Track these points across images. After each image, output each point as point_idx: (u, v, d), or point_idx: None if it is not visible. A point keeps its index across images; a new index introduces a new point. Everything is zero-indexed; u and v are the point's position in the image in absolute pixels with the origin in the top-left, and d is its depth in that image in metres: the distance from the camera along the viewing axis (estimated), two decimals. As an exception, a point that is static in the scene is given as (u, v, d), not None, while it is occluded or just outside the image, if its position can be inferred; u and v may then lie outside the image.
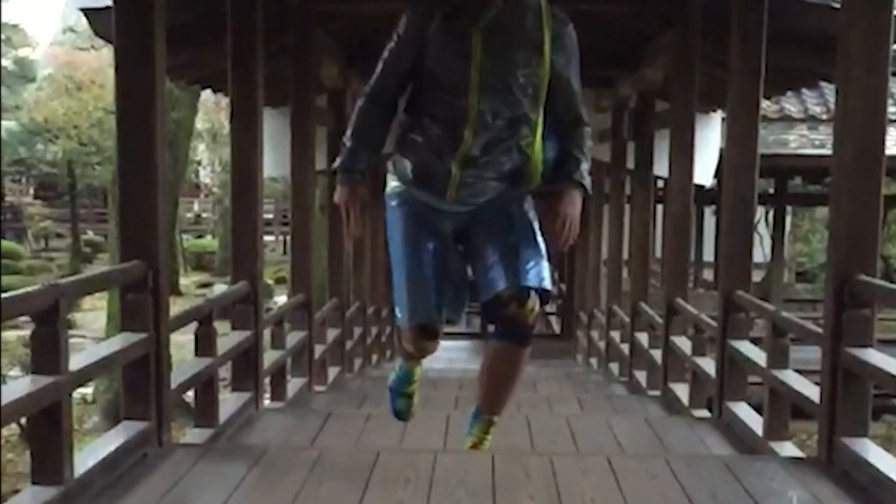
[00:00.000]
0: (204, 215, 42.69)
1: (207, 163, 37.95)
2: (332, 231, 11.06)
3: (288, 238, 11.93)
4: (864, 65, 4.93)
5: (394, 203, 4.33)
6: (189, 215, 41.99)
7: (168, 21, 5.27)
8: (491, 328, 4.59)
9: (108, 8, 5.24)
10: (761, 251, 18.45)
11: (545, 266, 4.18)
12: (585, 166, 4.29)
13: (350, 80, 11.34)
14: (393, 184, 4.36)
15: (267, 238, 31.73)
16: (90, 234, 37.78)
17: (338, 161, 4.25)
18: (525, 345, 4.31)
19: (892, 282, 17.35)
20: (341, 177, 4.23)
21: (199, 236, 40.20)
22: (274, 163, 10.50)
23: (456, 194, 4.16)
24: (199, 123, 27.00)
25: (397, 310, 4.27)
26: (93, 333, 18.87)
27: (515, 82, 4.02)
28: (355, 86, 11.41)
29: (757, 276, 15.04)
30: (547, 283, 4.16)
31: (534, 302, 4.14)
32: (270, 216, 36.38)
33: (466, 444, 4.66)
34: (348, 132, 4.25)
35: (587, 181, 4.28)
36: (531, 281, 4.11)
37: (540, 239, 4.22)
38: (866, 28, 4.91)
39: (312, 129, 9.21)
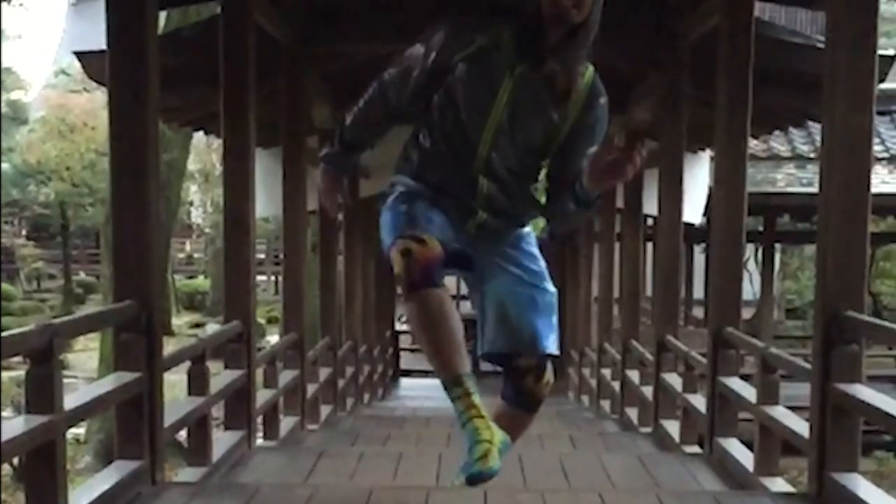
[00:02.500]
0: (196, 256, 42.67)
1: (199, 203, 37.94)
2: (323, 271, 11.11)
3: (280, 278, 11.98)
4: (849, 104, 4.98)
5: (394, 197, 3.99)
6: (181, 256, 41.98)
7: (161, 64, 5.33)
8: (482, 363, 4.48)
9: (101, 51, 5.31)
10: (751, 289, 18.52)
11: (556, 318, 4.06)
12: None
13: (342, 121, 11.39)
14: (401, 178, 4.07)
15: (259, 278, 31.69)
16: (82, 275, 37.76)
17: (329, 150, 4.25)
18: (535, 412, 4.20)
19: (881, 319, 17.45)
20: (325, 167, 4.25)
21: (191, 277, 40.15)
22: (266, 203, 10.54)
23: (475, 230, 4.00)
24: (191, 164, 27.00)
25: (385, 244, 3.86)
26: (85, 374, 18.81)
27: (530, 141, 3.85)
28: (346, 126, 11.47)
29: (747, 314, 15.10)
30: (555, 348, 4.04)
31: (550, 374, 4.06)
32: (262, 256, 36.40)
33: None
34: (350, 119, 4.19)
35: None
36: (550, 347, 4.00)
37: (549, 280, 4.12)
38: (850, 68, 4.97)
39: (304, 169, 9.26)
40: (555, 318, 4.04)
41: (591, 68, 3.89)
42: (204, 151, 30.65)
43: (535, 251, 4.16)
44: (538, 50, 3.76)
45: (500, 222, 4.04)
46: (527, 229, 4.19)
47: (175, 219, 22.29)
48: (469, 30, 3.83)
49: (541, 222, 4.29)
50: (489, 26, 3.81)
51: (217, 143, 11.00)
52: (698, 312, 19.45)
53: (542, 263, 4.13)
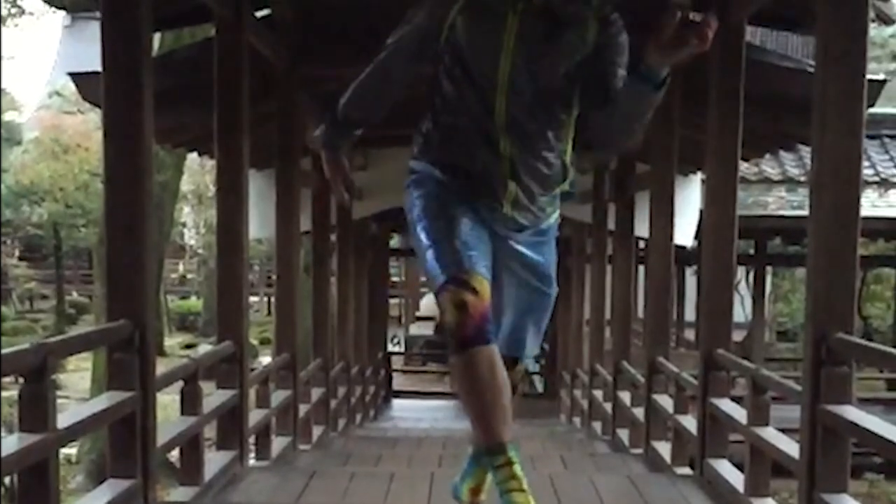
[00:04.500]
0: (189, 276, 42.66)
1: (192, 224, 37.94)
2: (316, 292, 11.14)
3: (272, 298, 11.99)
4: (839, 128, 5.03)
5: (416, 187, 3.76)
6: (174, 276, 41.96)
7: (155, 86, 5.37)
8: None
9: (96, 73, 5.34)
10: (742, 311, 18.58)
11: (545, 325, 3.96)
12: None
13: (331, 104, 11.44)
14: (421, 166, 3.81)
15: (251, 298, 31.64)
16: (75, 295, 37.77)
17: (323, 130, 3.93)
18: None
19: (871, 341, 17.48)
20: (325, 152, 3.94)
21: (184, 297, 40.15)
22: (259, 224, 10.57)
23: (512, 209, 3.71)
24: (185, 185, 27.00)
25: (432, 276, 3.53)
26: (77, 394, 18.83)
27: (552, 83, 3.56)
28: (340, 148, 11.52)
29: (738, 336, 15.11)
30: (533, 353, 4.00)
31: (518, 374, 3.95)
32: (255, 277, 36.41)
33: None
34: (346, 96, 3.84)
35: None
36: (528, 356, 4.00)
37: (554, 281, 3.91)
38: (839, 92, 5.02)
39: (297, 190, 9.29)
40: (545, 321, 3.94)
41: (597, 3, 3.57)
42: (197, 172, 30.68)
43: (553, 247, 3.92)
44: None
45: (531, 198, 3.71)
46: (553, 218, 3.89)
47: (168, 239, 22.26)
48: None
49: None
50: None
51: (210, 163, 11.02)
52: (689, 334, 19.46)
53: (554, 260, 3.91)
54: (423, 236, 3.59)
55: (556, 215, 3.92)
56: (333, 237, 12.87)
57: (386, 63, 3.77)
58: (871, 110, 9.54)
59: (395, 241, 24.41)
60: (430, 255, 3.51)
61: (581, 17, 3.52)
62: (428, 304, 33.92)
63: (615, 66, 3.54)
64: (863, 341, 5.26)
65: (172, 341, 30.83)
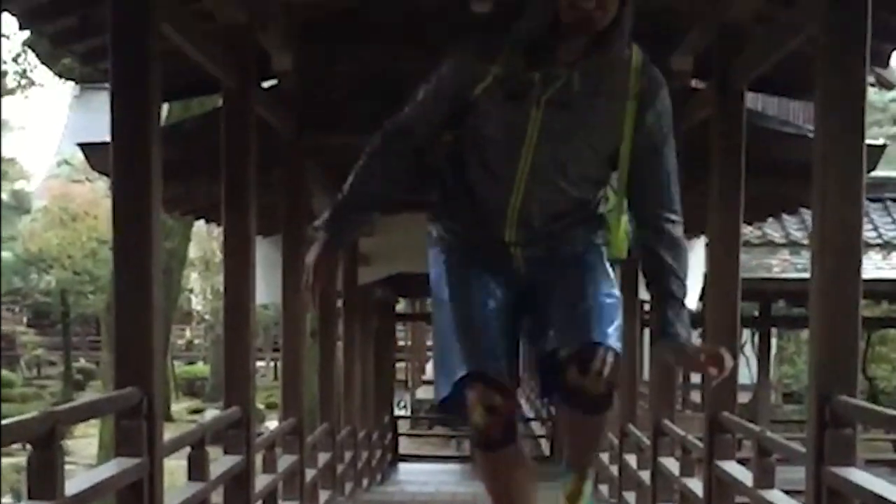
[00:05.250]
0: (196, 342, 42.70)
1: (199, 290, 38.02)
2: (322, 356, 11.18)
3: (278, 363, 12.03)
4: (838, 193, 5.09)
5: (439, 250, 3.58)
6: (181, 342, 41.96)
7: (164, 155, 5.43)
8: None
9: (104, 143, 5.42)
10: (748, 373, 18.56)
11: (619, 324, 3.36)
12: (684, 311, 3.42)
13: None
14: (438, 233, 3.59)
15: (258, 363, 31.71)
16: (82, 362, 37.79)
17: (323, 220, 3.55)
18: (594, 414, 3.38)
19: (877, 403, 17.44)
20: (321, 239, 3.54)
21: (191, 363, 40.18)
22: (265, 290, 10.60)
23: (524, 263, 3.46)
24: (192, 252, 27.14)
25: (443, 381, 3.37)
26: (85, 460, 18.80)
27: (578, 170, 3.34)
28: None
29: (744, 398, 15.13)
30: (615, 341, 3.27)
31: (602, 363, 3.18)
32: (261, 342, 36.42)
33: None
34: (347, 184, 3.49)
35: (687, 331, 3.40)
36: (600, 336, 3.24)
37: (615, 290, 3.47)
38: (839, 158, 5.09)
39: (303, 257, 9.34)
40: (615, 319, 3.36)
41: (637, 55, 3.29)
42: (205, 239, 30.79)
43: (600, 266, 3.51)
44: (554, 64, 3.21)
45: (549, 250, 3.47)
46: (593, 243, 3.55)
47: (175, 305, 22.38)
48: (480, 57, 3.29)
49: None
50: (500, 49, 3.26)
51: (218, 230, 11.12)
52: (695, 396, 19.45)
53: (611, 274, 3.52)
54: (443, 314, 3.45)
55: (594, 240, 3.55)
56: (339, 302, 12.92)
57: (388, 140, 3.49)
58: (874, 174, 9.65)
59: (401, 306, 24.46)
60: (451, 337, 3.37)
61: (615, 98, 3.26)
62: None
63: (656, 151, 3.35)
64: (866, 403, 5.31)
65: (179, 406, 30.82)
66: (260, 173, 7.57)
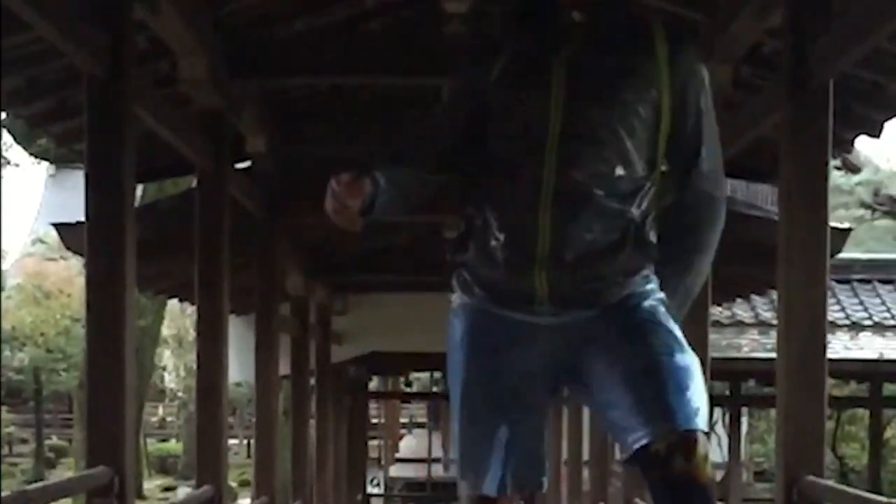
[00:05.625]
0: (169, 419, 42.41)
1: (172, 368, 37.89)
2: (295, 434, 11.22)
3: (251, 441, 12.05)
4: (803, 277, 5.14)
5: (457, 322, 3.09)
6: (154, 420, 41.67)
7: (138, 235, 5.47)
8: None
9: (79, 223, 5.47)
10: (720, 452, 18.59)
11: (702, 387, 2.83)
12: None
13: (314, 289, 11.69)
14: (458, 296, 3.12)
15: (231, 441, 31.59)
16: (54, 440, 37.44)
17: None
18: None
19: (847, 481, 17.51)
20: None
21: (164, 440, 39.87)
22: (239, 368, 10.69)
23: (550, 302, 2.91)
24: (166, 330, 27.15)
25: (457, 459, 3.11)
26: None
27: (614, 131, 2.84)
28: (319, 294, 11.74)
29: (717, 476, 15.13)
30: (705, 412, 2.79)
31: (704, 446, 2.73)
32: (234, 420, 36.26)
33: None
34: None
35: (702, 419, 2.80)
36: (694, 419, 2.75)
37: (686, 347, 2.88)
38: (803, 241, 5.14)
39: (276, 336, 9.42)
40: (696, 384, 2.81)
41: (658, 26, 2.95)
42: (178, 317, 30.77)
43: (663, 319, 2.94)
44: (565, 43, 2.88)
45: (587, 280, 2.91)
46: (647, 287, 3.00)
47: (149, 383, 22.35)
48: (484, 51, 3.04)
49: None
50: (501, 41, 3.01)
51: (192, 308, 11.20)
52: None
53: (675, 330, 2.94)
54: (455, 405, 3.06)
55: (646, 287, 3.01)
56: (312, 381, 12.97)
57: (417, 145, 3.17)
58: (841, 255, 9.79)
59: (374, 384, 24.45)
60: (458, 437, 3.07)
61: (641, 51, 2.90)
62: (407, 445, 33.82)
63: (692, 119, 2.95)
64: (834, 484, 5.35)
65: (152, 484, 30.54)
66: (234, 253, 7.64)
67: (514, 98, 2.90)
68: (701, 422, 2.74)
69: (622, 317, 2.90)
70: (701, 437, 2.72)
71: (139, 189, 10.63)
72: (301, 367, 11.56)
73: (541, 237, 2.83)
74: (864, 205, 24.02)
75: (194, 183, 7.56)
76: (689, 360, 2.84)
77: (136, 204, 6.11)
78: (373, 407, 30.66)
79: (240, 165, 8.55)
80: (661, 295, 2.97)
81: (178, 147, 6.75)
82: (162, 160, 7.84)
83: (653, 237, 2.96)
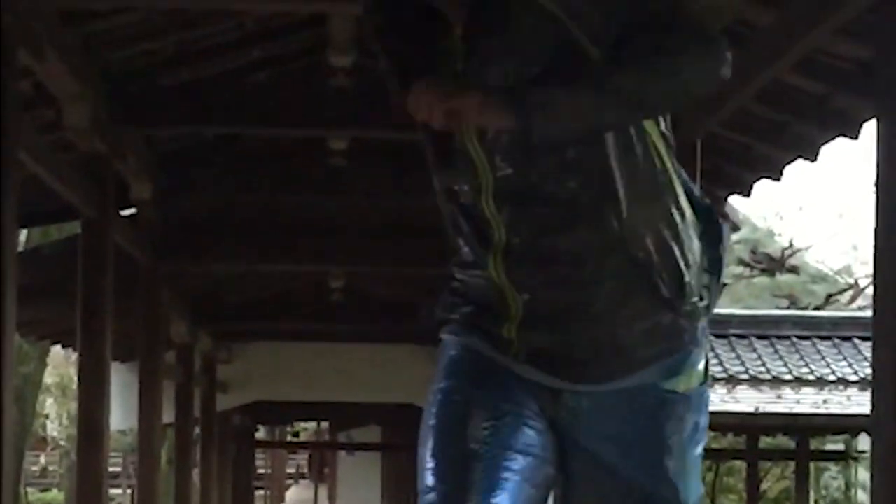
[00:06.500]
0: (51, 468, 41.63)
1: (55, 416, 37.26)
2: (178, 484, 11.15)
3: (135, 491, 11.95)
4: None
5: (441, 352, 2.35)
6: (35, 468, 40.88)
7: (19, 279, 5.47)
8: None
9: (-40, 268, 5.44)
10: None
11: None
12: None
13: (199, 337, 11.66)
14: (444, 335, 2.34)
15: (114, 491, 31.14)
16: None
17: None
18: None
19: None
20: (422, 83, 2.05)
21: (45, 490, 39.12)
22: (122, 416, 10.62)
23: (535, 363, 2.21)
24: (48, 377, 26.71)
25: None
26: None
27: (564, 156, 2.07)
28: (204, 342, 11.72)
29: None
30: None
31: None
32: (118, 469, 35.71)
33: None
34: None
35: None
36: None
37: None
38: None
39: (160, 384, 9.38)
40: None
41: None
42: (62, 364, 30.32)
43: (680, 438, 2.30)
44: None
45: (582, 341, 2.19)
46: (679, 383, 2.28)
47: (30, 431, 21.98)
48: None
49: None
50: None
51: (75, 355, 11.15)
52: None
53: (690, 457, 2.33)
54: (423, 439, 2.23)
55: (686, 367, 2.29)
56: (197, 429, 12.91)
57: None
58: (719, 311, 10.02)
59: (260, 434, 24.32)
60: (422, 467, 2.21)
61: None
62: (294, 496, 33.62)
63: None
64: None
65: (32, 536, 30.00)
66: (117, 299, 7.62)
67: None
68: None
69: (640, 411, 2.25)
70: None
71: (22, 234, 10.56)
72: (185, 416, 11.51)
73: (507, 291, 2.18)
74: (742, 262, 24.60)
75: (79, 228, 7.55)
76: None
77: (19, 249, 6.07)
78: (259, 457, 30.49)
79: (125, 212, 8.54)
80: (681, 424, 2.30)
81: (61, 193, 6.75)
82: (46, 205, 7.81)
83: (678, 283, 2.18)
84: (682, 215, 2.18)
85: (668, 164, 2.16)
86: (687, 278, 2.17)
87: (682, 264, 2.16)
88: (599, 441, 2.24)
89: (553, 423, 2.23)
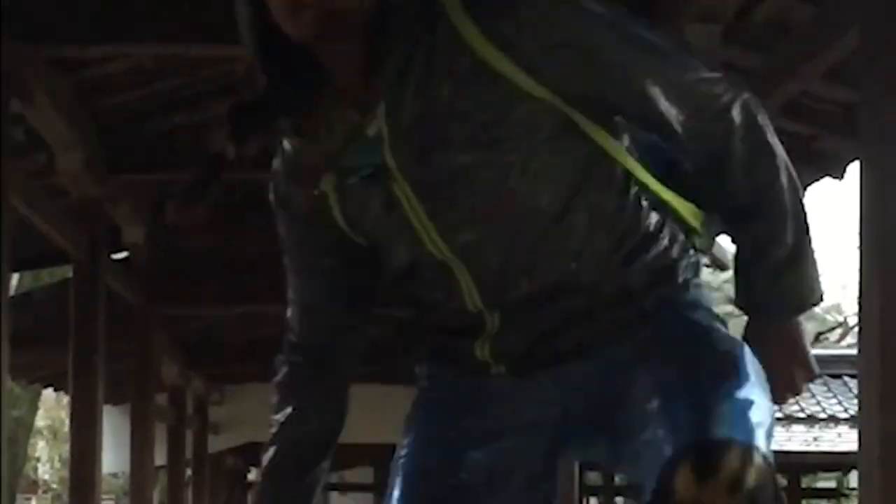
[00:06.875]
0: (42, 513, 41.51)
1: (47, 459, 37.12)
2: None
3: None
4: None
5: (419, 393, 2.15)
6: (26, 513, 40.77)
7: (12, 323, 5.47)
8: None
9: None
10: None
11: (759, 403, 1.86)
12: (777, 259, 1.95)
13: (190, 379, 11.66)
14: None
15: (106, 536, 31.02)
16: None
17: None
18: None
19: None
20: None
21: (36, 534, 38.98)
22: (114, 458, 10.61)
23: (507, 362, 1.94)
24: (40, 420, 26.65)
25: None
26: None
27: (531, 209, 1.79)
28: (196, 384, 11.73)
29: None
30: (760, 436, 1.78)
31: (734, 463, 1.67)
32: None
33: None
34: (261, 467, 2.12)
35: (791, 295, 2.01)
36: (728, 429, 1.75)
37: (748, 365, 1.92)
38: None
39: (152, 426, 9.38)
40: (739, 387, 1.86)
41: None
42: (53, 407, 30.25)
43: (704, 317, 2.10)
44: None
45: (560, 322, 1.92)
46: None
47: (21, 474, 21.92)
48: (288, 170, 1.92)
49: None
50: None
51: (67, 398, 11.16)
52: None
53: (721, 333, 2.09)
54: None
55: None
56: (189, 471, 12.90)
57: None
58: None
59: (253, 476, 24.19)
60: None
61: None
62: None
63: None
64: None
65: (23, 581, 29.80)
66: (109, 342, 7.63)
67: (369, 223, 1.91)
68: (735, 432, 1.75)
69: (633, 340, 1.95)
70: (733, 450, 1.69)
71: (14, 277, 10.58)
72: (177, 458, 11.51)
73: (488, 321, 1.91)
74: (731, 301, 24.68)
75: (71, 272, 7.57)
76: (747, 387, 1.88)
77: (11, 292, 6.10)
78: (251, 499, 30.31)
79: (117, 255, 8.57)
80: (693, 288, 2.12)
81: (53, 237, 6.78)
82: (37, 249, 7.84)
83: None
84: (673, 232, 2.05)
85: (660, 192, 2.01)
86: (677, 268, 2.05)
87: (674, 264, 2.05)
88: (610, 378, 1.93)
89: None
